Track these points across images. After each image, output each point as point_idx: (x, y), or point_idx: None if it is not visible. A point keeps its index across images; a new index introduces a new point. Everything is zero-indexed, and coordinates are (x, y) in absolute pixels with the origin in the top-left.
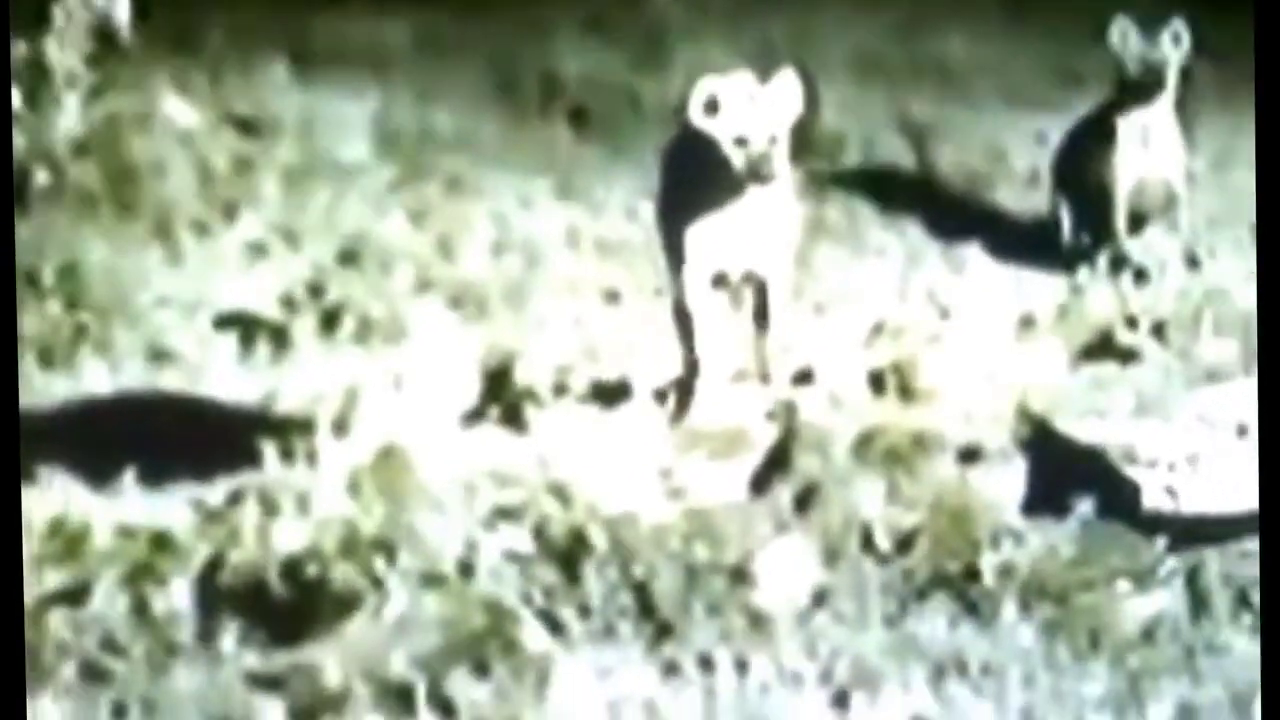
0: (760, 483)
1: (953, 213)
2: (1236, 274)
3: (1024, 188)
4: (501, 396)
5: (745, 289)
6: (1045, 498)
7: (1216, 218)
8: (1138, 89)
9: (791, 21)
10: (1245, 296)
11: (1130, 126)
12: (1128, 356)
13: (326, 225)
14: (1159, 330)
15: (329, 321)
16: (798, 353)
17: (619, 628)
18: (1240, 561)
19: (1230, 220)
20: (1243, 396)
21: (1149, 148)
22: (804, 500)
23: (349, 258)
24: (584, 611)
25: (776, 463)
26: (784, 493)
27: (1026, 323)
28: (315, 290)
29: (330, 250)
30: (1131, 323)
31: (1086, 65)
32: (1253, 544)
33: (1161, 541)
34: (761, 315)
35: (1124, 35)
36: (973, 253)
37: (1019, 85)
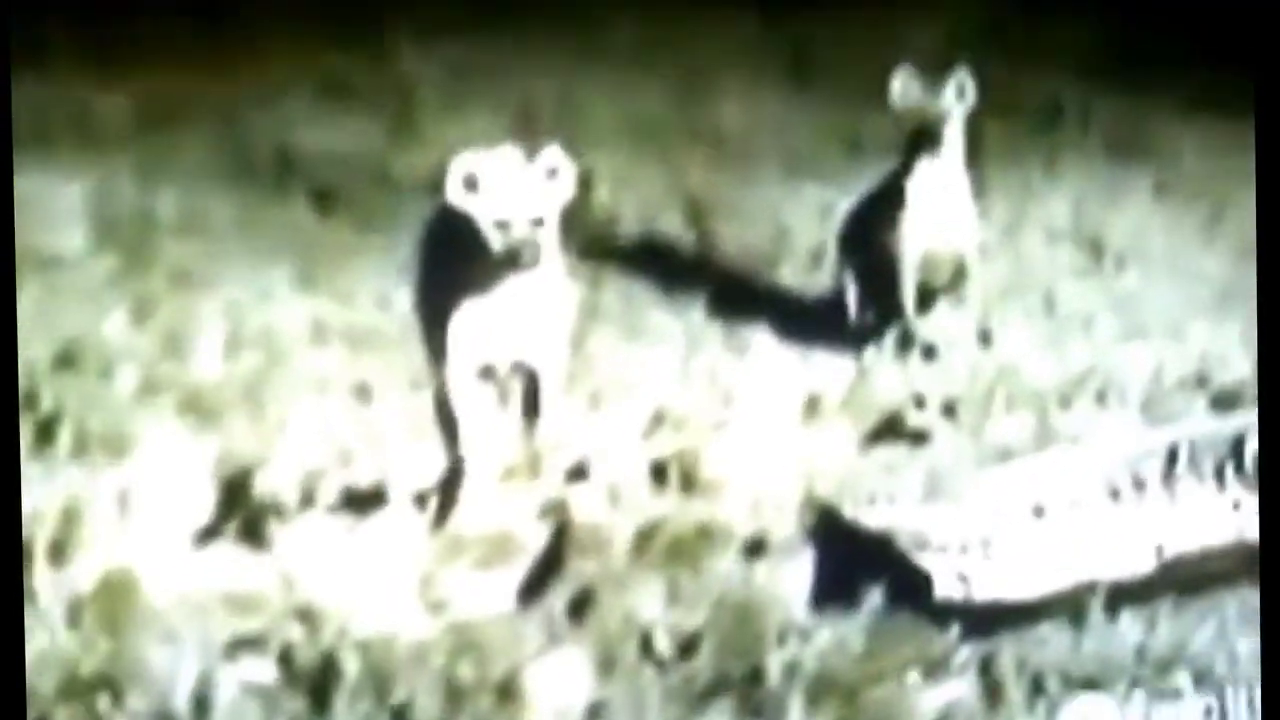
0: (530, 590)
1: (735, 292)
2: (1028, 346)
3: (808, 264)
4: (239, 510)
5: (514, 380)
6: (834, 589)
7: (1008, 288)
8: (919, 147)
9: (559, 87)
10: (1037, 371)
11: (916, 192)
12: (917, 438)
13: (37, 324)
14: (949, 409)
15: (44, 433)
16: (571, 447)
17: None
18: (1036, 648)
19: (1021, 289)
20: (1037, 475)
21: (937, 214)
22: (578, 606)
23: (65, 361)
24: None
25: (548, 567)
26: (556, 600)
27: (813, 406)
28: (28, 399)
29: (44, 354)
30: (920, 403)
31: (872, 131)
32: (1048, 630)
33: (954, 630)
34: (531, 408)
35: (905, 89)
36: (757, 334)
37: (801, 154)
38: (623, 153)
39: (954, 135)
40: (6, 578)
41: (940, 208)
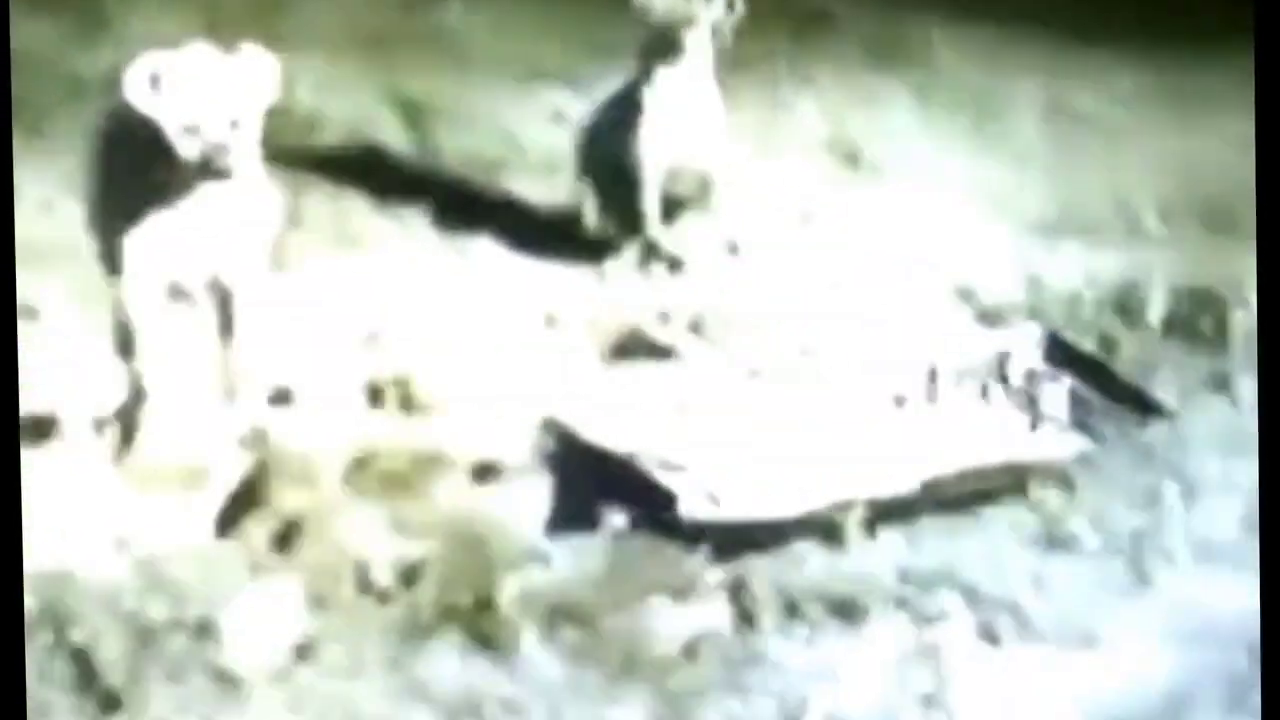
0: (228, 522)
1: (459, 201)
2: (780, 261)
3: (542, 173)
4: None
5: (208, 298)
6: (572, 513)
7: (762, 200)
8: (658, 52)
9: None
10: (790, 287)
11: (656, 100)
12: (662, 355)
13: None
14: (696, 326)
15: None
16: (274, 369)
17: (55, 704)
18: (790, 569)
19: (773, 201)
20: (790, 392)
21: (679, 124)
22: (285, 539)
23: None
24: None
25: (249, 498)
26: (259, 532)
27: (549, 322)
28: None
29: None
30: (665, 318)
31: (616, 34)
32: (803, 550)
33: (703, 552)
34: (227, 327)
35: None
36: (484, 245)
37: (534, 58)
38: (332, 52)
39: (699, 42)
40: (6, 578)
41: (683, 117)
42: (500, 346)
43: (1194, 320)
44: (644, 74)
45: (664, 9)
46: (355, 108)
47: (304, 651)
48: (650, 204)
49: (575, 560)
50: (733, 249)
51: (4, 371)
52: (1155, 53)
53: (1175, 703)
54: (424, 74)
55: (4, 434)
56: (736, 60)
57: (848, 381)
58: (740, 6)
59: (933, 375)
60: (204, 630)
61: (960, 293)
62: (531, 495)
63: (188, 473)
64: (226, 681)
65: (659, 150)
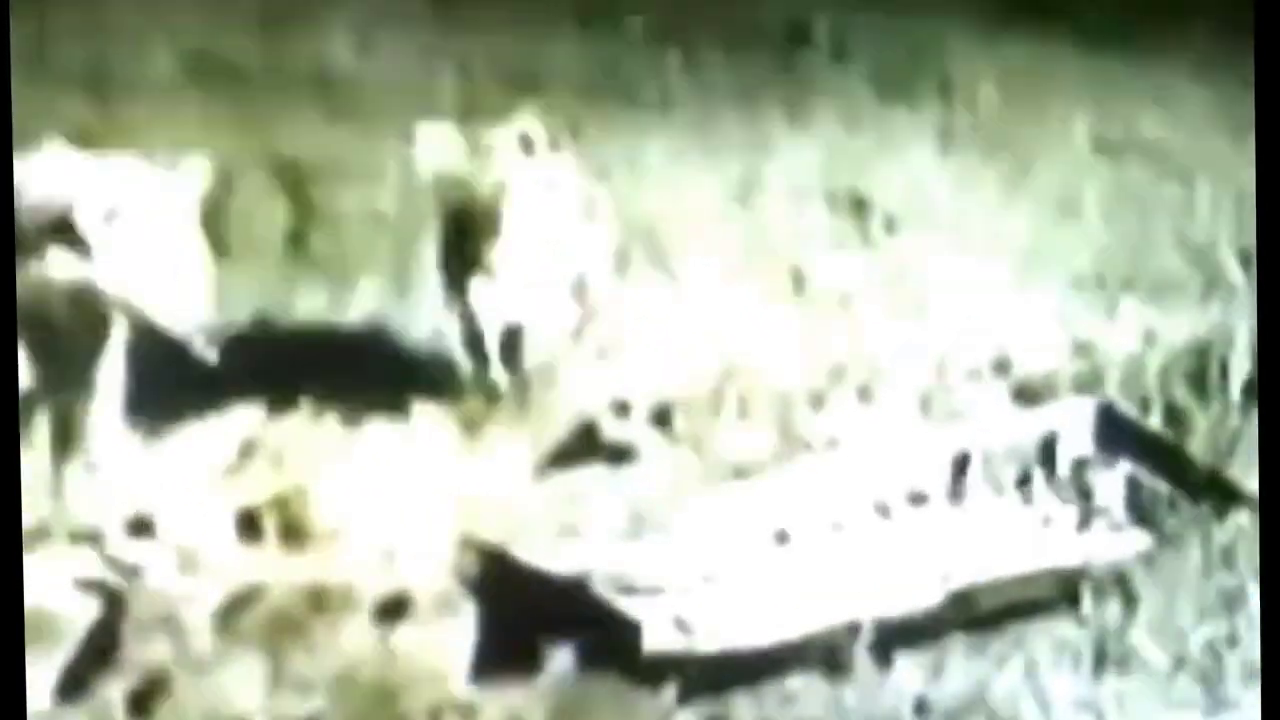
0: (76, 683)
1: None
2: (765, 336)
3: None
4: None
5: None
6: (506, 653)
7: (746, 260)
8: None
9: None
10: (780, 365)
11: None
12: (617, 455)
13: None
14: (662, 417)
15: None
16: (126, 495)
17: None
18: (781, 707)
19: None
20: (780, 493)
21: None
22: (143, 700)
23: None
24: None
25: (100, 652)
26: (113, 692)
27: (470, 422)
28: None
29: None
30: (623, 409)
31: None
32: (798, 684)
33: (670, 691)
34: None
35: None
36: None
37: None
38: None
39: None
40: (6, 574)
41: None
42: (404, 458)
43: None
44: None
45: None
46: None
47: None
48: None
49: (508, 712)
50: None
51: (4, 373)
52: (1224, 70)
53: None
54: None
55: (4, 432)
56: (712, 94)
57: (852, 476)
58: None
59: (960, 465)
60: None
61: (994, 365)
62: (453, 634)
63: (30, 625)
64: None
65: None
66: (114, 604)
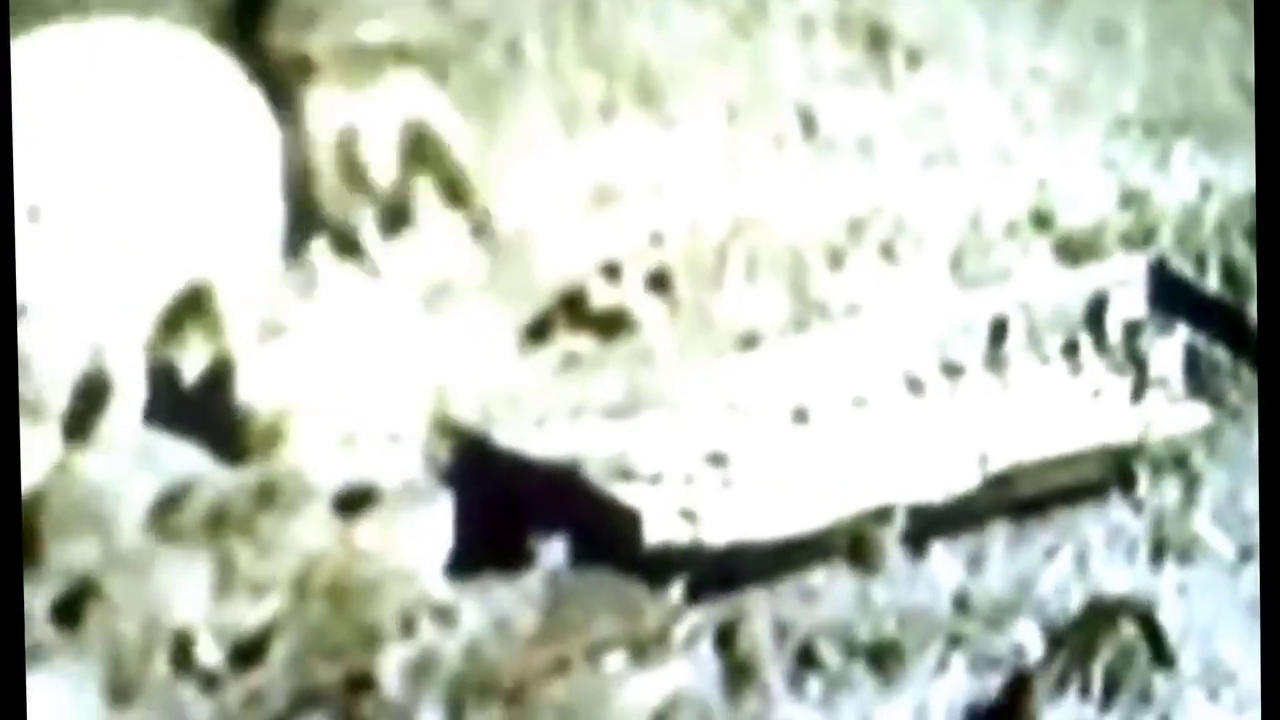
0: None
1: None
2: (774, 187)
3: None
4: None
5: None
6: (487, 549)
7: (746, 105)
8: None
9: None
10: (789, 230)
11: None
12: (609, 324)
13: None
14: (660, 280)
15: None
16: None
17: None
18: (800, 604)
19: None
20: (795, 364)
21: None
22: (68, 609)
23: None
24: None
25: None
26: (35, 600)
27: (440, 289)
28: None
29: None
30: (614, 271)
31: None
32: (821, 579)
33: (677, 589)
34: None
35: None
36: None
37: None
38: None
39: None
40: (7, 571)
41: None
42: (363, 327)
43: None
44: None
45: None
46: None
47: None
48: None
49: (493, 613)
50: (702, 167)
51: (4, 370)
52: None
53: None
54: None
55: (4, 433)
56: None
57: (878, 346)
58: None
59: (998, 332)
60: None
61: (1034, 217)
62: (426, 528)
63: None
64: None
65: None
66: (34, 501)
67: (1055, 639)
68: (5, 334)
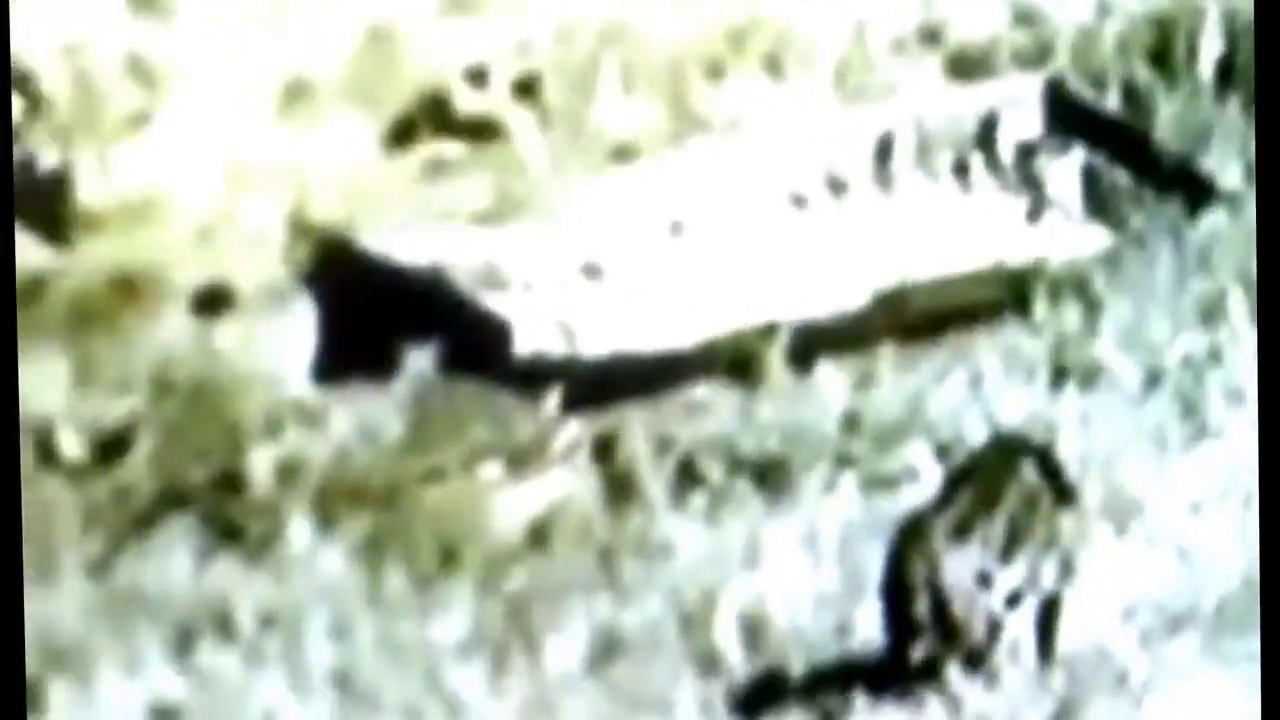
0: None
1: None
2: None
3: None
4: None
5: None
6: (352, 352)
7: None
8: None
9: None
10: (667, 27)
11: None
12: (477, 131)
13: None
14: (527, 87)
15: None
16: None
17: None
18: (682, 418)
19: None
20: (672, 177)
21: None
22: None
23: None
24: None
25: None
26: None
27: (296, 88)
28: None
29: None
30: (479, 76)
31: None
32: (704, 393)
33: (552, 400)
34: None
35: None
36: None
37: None
38: None
39: None
40: (7, 570)
41: None
42: (227, 122)
43: None
44: None
45: None
46: None
47: None
48: None
49: (361, 419)
50: None
51: (4, 369)
52: None
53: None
54: None
55: (4, 430)
56: None
57: (759, 160)
58: None
59: (884, 148)
60: None
61: (923, 32)
62: (288, 330)
63: None
64: None
65: None
66: None
67: (953, 480)
68: (5, 333)
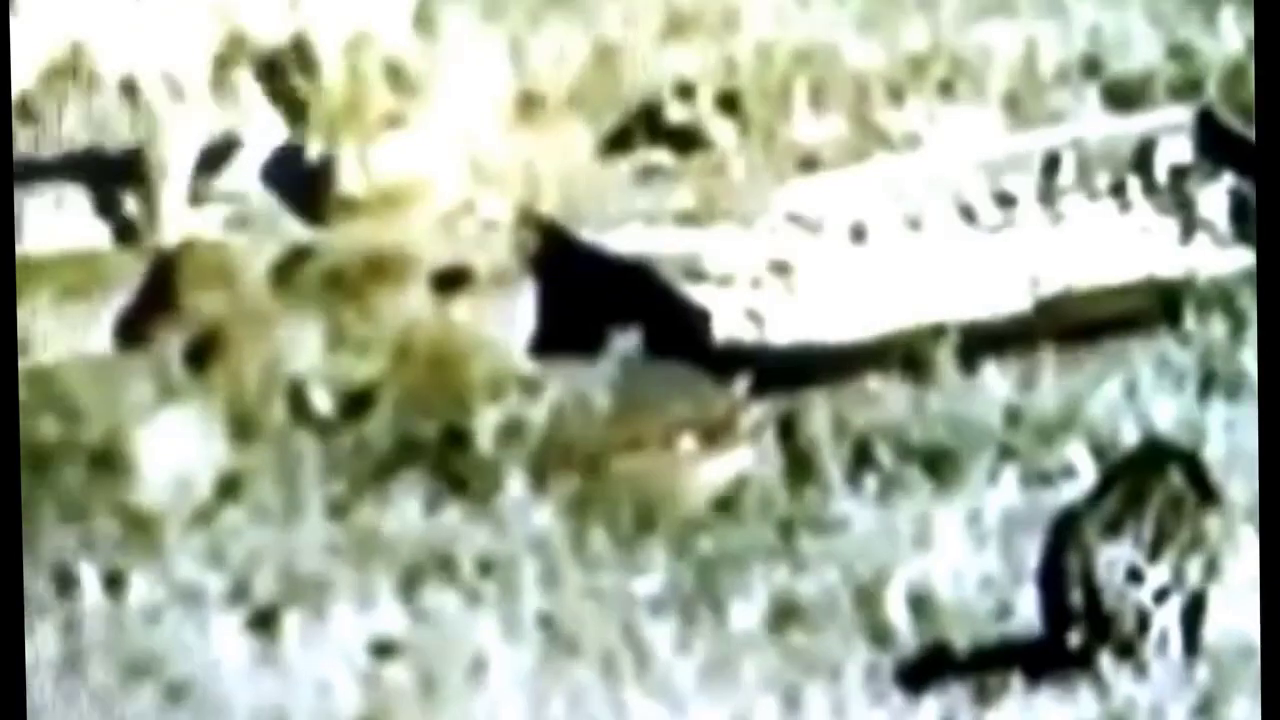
0: (134, 329)
1: None
2: (841, 19)
3: None
4: None
5: None
6: (567, 331)
7: None
8: None
9: None
10: (856, 53)
11: None
12: (684, 140)
13: None
14: (729, 102)
15: None
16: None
17: None
18: (858, 405)
19: None
20: (856, 188)
21: None
22: (200, 352)
23: None
24: None
25: (156, 301)
26: (171, 343)
27: (529, 99)
28: None
29: None
30: (686, 92)
31: None
32: (878, 384)
33: (742, 383)
34: None
35: None
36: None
37: None
38: None
39: None
40: (7, 571)
41: None
42: (468, 122)
43: None
44: None
45: None
46: None
47: (227, 488)
48: None
49: (573, 390)
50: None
51: (4, 374)
52: None
53: None
54: None
55: (4, 428)
56: None
57: (939, 172)
58: None
59: (1049, 168)
60: (106, 459)
61: (1084, 62)
62: (512, 308)
63: (81, 266)
64: (137, 521)
65: None
66: (169, 254)
67: (1106, 479)
68: (5, 332)
